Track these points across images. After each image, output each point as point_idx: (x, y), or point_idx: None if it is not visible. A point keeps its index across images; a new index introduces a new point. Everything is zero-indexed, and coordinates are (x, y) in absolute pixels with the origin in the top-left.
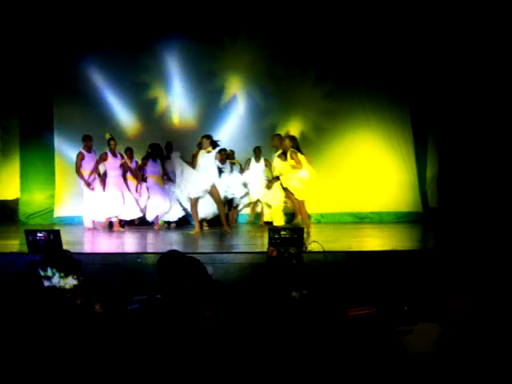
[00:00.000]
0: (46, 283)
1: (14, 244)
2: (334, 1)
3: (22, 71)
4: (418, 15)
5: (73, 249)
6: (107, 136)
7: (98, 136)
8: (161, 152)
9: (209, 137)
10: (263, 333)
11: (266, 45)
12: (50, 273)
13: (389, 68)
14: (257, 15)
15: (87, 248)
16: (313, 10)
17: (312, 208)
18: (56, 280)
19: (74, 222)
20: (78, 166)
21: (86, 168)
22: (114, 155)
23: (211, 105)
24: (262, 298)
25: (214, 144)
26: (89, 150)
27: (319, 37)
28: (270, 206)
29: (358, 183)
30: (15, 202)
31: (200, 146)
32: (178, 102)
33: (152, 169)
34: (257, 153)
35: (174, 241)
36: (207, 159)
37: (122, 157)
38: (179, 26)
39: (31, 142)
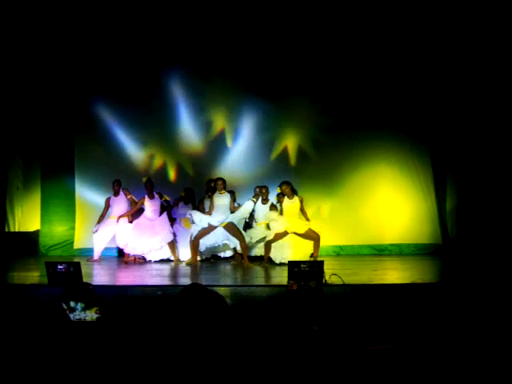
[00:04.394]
0: (70, 316)
1: (35, 276)
2: (365, 58)
3: (45, 109)
4: (438, 66)
5: (92, 281)
6: (144, 179)
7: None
8: (193, 196)
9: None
10: (284, 365)
11: (314, 100)
12: (72, 305)
13: (411, 115)
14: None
15: (106, 280)
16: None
17: (331, 240)
18: (78, 313)
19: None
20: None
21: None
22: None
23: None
24: (283, 331)
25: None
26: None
27: (350, 90)
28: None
29: (376, 215)
30: (36, 233)
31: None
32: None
33: (182, 211)
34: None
35: (193, 273)
36: (221, 200)
37: (161, 196)
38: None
39: (52, 175)
